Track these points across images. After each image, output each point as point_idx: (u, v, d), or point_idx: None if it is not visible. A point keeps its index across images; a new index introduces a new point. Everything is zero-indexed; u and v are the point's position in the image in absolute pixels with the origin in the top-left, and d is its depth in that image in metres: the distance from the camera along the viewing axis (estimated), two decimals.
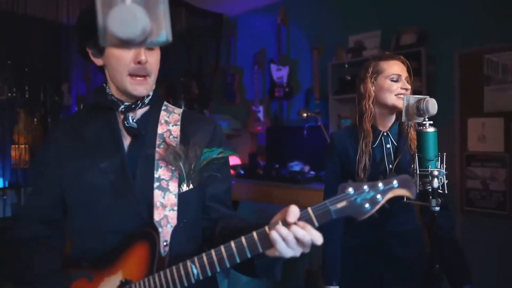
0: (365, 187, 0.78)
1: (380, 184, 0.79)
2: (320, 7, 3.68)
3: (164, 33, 0.59)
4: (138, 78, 0.93)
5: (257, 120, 4.08)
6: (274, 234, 0.74)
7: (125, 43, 0.58)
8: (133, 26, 0.54)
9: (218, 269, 0.80)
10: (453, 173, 2.83)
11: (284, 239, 0.74)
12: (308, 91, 3.76)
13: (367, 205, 0.77)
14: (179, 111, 1.07)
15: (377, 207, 0.78)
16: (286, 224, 0.75)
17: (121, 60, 0.91)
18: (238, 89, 4.36)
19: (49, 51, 3.42)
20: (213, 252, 0.79)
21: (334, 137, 1.46)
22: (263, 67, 4.13)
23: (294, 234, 0.74)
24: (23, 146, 3.92)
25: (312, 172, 3.38)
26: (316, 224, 0.77)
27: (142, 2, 0.56)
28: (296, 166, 3.54)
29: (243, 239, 0.78)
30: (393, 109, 1.37)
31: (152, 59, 0.94)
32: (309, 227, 0.75)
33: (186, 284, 0.82)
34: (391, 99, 1.33)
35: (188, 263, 0.82)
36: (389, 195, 0.79)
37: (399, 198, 1.11)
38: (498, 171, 2.67)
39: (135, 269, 0.89)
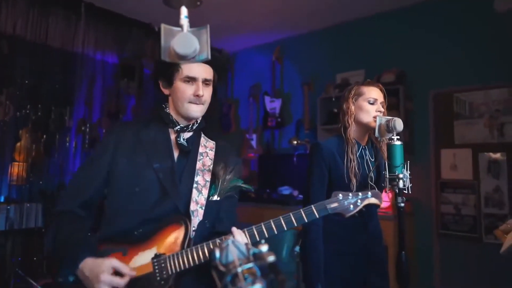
0: (350, 195, 1.16)
1: (360, 194, 1.17)
2: (311, 48, 4.11)
3: (206, 53, 0.87)
4: (195, 105, 1.22)
5: (250, 147, 4.36)
6: None
7: (181, 58, 0.86)
8: (189, 46, 0.81)
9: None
10: (430, 199, 3.11)
11: None
12: (299, 122, 4.08)
13: (351, 207, 1.14)
14: (213, 142, 1.35)
15: (357, 209, 1.15)
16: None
17: (185, 93, 1.20)
18: (234, 118, 4.67)
19: (62, 77, 3.71)
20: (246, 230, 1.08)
21: (322, 147, 1.60)
22: (258, 99, 4.48)
23: None
24: (23, 163, 4.10)
25: (300, 196, 3.61)
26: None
27: (194, 32, 0.85)
28: (285, 191, 3.78)
29: (282, 218, 1.10)
30: (367, 127, 1.62)
31: (206, 93, 1.23)
32: None
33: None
34: (367, 118, 1.59)
35: (217, 240, 1.06)
36: (365, 202, 1.16)
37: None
38: (468, 197, 2.96)
39: (168, 245, 1.09)
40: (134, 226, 1.14)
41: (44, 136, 3.87)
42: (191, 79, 1.20)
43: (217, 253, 0.75)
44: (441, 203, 3.07)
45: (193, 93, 1.20)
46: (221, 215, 1.26)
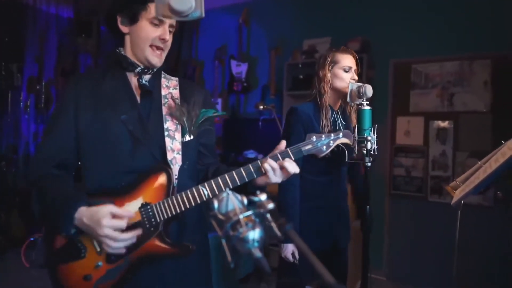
0: (323, 136, 1.18)
1: (332, 135, 1.20)
2: (280, 12, 4.08)
3: (200, 11, 0.88)
4: (157, 51, 1.17)
5: None
6: (266, 165, 1.07)
7: (176, 14, 0.86)
8: (186, 3, 0.82)
9: (223, 189, 1.07)
10: (384, 163, 3.36)
11: (273, 169, 1.06)
12: (265, 87, 4.12)
13: (324, 148, 1.17)
14: (175, 78, 1.32)
15: (330, 149, 1.19)
16: (274, 159, 1.09)
17: (149, 35, 1.15)
18: (198, 81, 4.60)
19: (12, 30, 3.40)
20: (219, 178, 1.09)
21: (300, 111, 1.67)
22: (223, 63, 4.42)
23: (280, 165, 1.07)
24: None
25: None
26: (293, 158, 1.11)
27: None
28: (250, 154, 3.88)
29: (242, 169, 1.08)
30: (342, 93, 1.71)
31: (170, 39, 1.19)
32: (290, 161, 1.09)
33: (198, 201, 1.08)
34: (343, 86, 1.68)
35: (200, 186, 1.09)
36: (337, 142, 1.21)
37: (342, 157, 1.49)
38: (418, 161, 3.24)
39: (154, 194, 1.10)
40: (115, 182, 1.13)
41: None
42: (159, 22, 1.14)
43: (215, 204, 0.81)
44: (394, 166, 3.34)
45: (158, 36, 1.14)
46: (203, 151, 1.28)
